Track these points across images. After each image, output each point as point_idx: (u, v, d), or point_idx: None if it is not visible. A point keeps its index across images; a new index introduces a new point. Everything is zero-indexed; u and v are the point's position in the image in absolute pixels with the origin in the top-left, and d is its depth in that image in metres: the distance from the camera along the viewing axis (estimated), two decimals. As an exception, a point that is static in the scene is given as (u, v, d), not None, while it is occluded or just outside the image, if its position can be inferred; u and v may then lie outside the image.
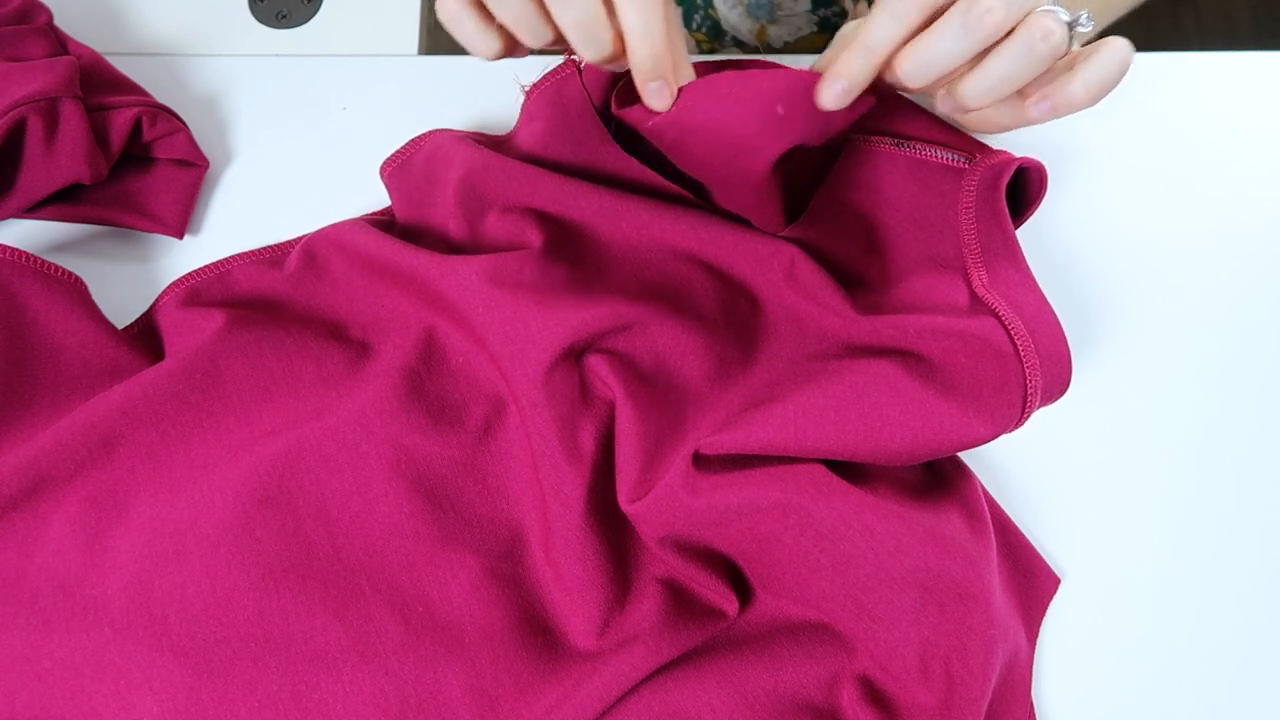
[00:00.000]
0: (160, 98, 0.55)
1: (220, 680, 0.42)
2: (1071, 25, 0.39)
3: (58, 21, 0.55)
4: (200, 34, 0.59)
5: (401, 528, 0.45)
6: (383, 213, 0.54)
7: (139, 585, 0.44)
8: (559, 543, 0.44)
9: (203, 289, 0.51)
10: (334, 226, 0.51)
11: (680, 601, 0.44)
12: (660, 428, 0.45)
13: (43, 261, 0.48)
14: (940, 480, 0.47)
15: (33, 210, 0.51)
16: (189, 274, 0.52)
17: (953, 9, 0.38)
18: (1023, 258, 0.46)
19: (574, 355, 0.46)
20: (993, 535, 0.46)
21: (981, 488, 0.48)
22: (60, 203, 0.51)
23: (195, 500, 0.45)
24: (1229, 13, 1.44)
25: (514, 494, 0.47)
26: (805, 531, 0.42)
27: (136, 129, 0.51)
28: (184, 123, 0.53)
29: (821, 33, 0.70)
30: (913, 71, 0.39)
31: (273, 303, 0.51)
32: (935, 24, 0.39)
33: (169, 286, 0.52)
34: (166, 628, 0.43)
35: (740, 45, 0.72)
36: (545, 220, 0.49)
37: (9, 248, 0.47)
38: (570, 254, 0.49)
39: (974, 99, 0.40)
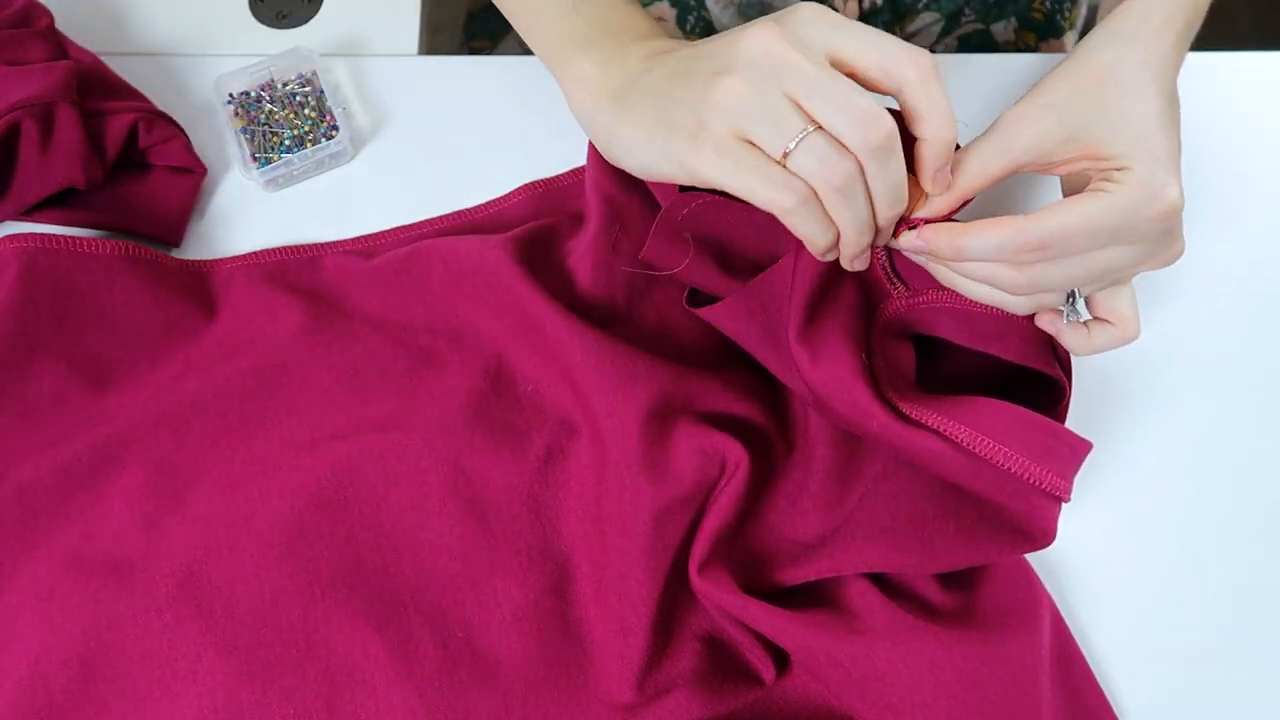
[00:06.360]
0: (160, 98, 0.55)
1: (259, 683, 0.43)
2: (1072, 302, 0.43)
3: (59, 21, 0.54)
4: (200, 34, 0.59)
5: (451, 548, 0.45)
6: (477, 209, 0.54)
7: (190, 575, 0.44)
8: (613, 580, 0.44)
9: (290, 268, 0.52)
10: (461, 244, 0.51)
11: (719, 660, 0.44)
12: (747, 524, 0.45)
13: (74, 239, 0.49)
14: (1003, 609, 0.45)
15: (30, 213, 0.51)
16: (279, 249, 0.52)
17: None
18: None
19: (675, 407, 0.46)
20: (1047, 672, 0.44)
21: (1053, 618, 0.46)
22: (58, 206, 0.51)
23: (253, 496, 0.45)
24: (1229, 13, 1.44)
25: (565, 529, 0.47)
26: (852, 673, 0.42)
27: (133, 135, 0.51)
28: (182, 129, 0.53)
29: None
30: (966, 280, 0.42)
31: (350, 294, 0.52)
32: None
33: (256, 253, 0.52)
34: (213, 622, 0.43)
35: None
36: None
37: (40, 234, 0.48)
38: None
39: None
